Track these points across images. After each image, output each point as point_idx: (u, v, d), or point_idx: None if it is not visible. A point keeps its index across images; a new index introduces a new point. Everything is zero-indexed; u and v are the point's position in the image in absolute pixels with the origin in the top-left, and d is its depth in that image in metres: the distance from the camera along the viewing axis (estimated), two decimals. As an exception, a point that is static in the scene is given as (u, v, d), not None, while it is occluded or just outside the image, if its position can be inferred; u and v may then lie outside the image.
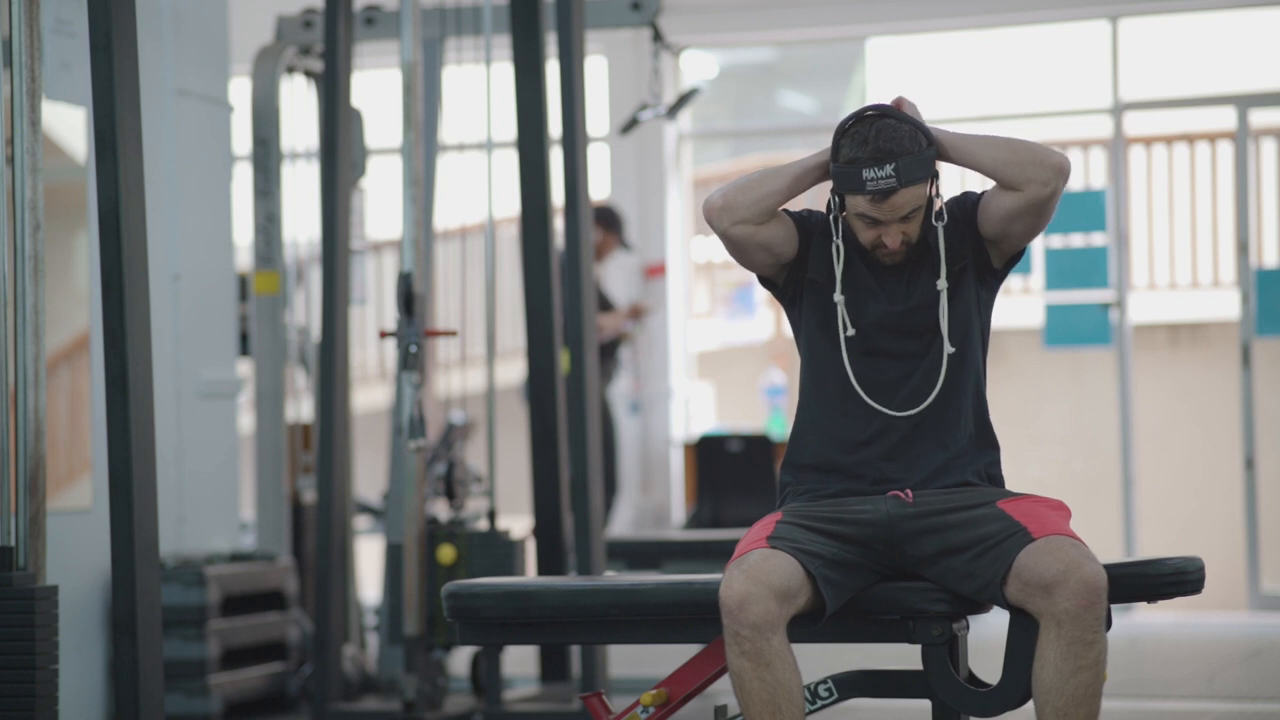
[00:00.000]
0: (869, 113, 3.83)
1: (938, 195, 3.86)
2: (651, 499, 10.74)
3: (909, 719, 4.87)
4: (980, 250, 3.90)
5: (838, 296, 3.86)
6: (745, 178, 3.87)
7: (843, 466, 3.86)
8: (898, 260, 3.85)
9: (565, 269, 6.15)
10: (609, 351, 9.75)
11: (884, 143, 3.77)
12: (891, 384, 3.86)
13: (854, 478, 3.85)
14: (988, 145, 3.82)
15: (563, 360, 6.10)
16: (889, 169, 3.76)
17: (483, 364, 6.59)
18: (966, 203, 3.90)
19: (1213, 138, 11.92)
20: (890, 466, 3.84)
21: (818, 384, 3.92)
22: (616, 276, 10.43)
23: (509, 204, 6.71)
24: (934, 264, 3.87)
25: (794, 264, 3.93)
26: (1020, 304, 10.84)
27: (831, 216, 3.88)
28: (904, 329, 3.87)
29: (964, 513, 3.75)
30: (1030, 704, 3.68)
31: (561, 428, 6.16)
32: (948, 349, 3.84)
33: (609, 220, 9.69)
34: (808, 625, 3.71)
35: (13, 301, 4.23)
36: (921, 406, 3.84)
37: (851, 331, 3.85)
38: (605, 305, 9.74)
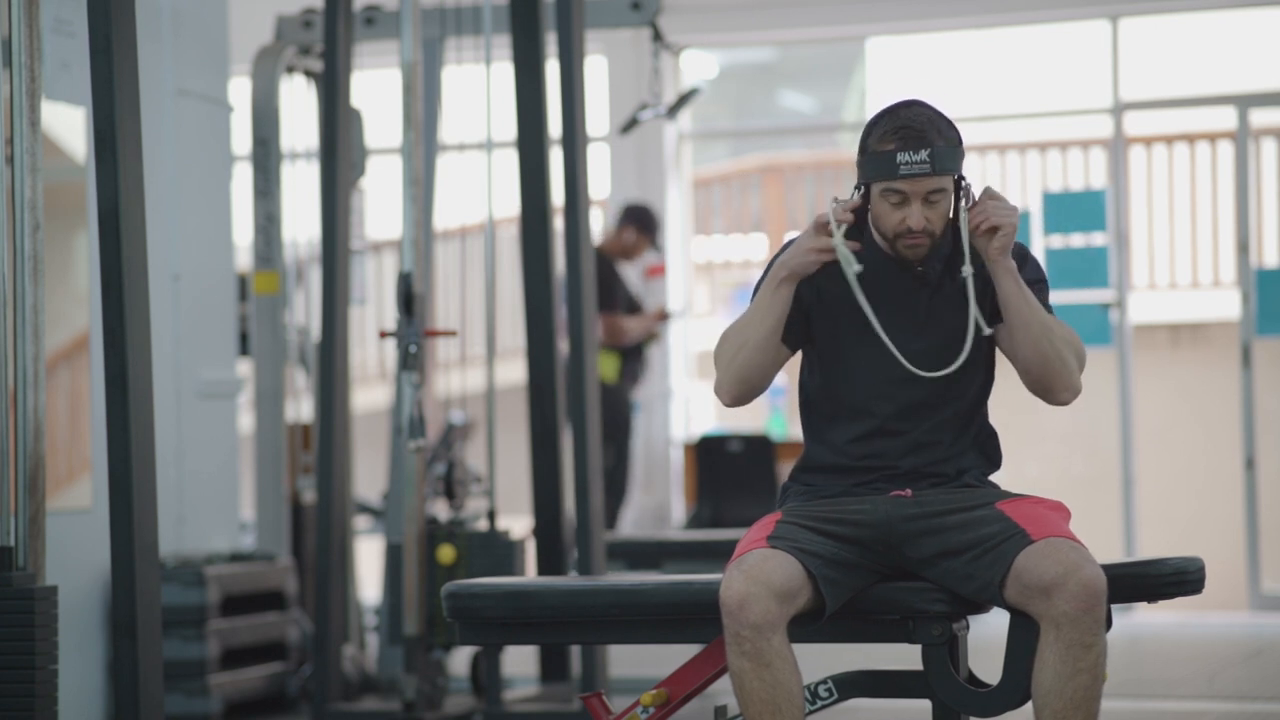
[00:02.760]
0: (901, 103, 3.81)
1: (966, 192, 3.83)
2: (651, 499, 10.74)
3: (909, 719, 4.87)
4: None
5: (857, 267, 3.80)
6: (729, 360, 3.82)
7: (846, 451, 3.85)
8: (921, 254, 3.81)
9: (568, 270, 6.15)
10: (636, 353, 9.75)
11: (919, 129, 3.74)
12: (912, 354, 3.82)
13: (856, 470, 3.84)
14: (1035, 334, 3.78)
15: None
16: (924, 154, 3.71)
17: (483, 364, 6.59)
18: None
19: (1213, 138, 11.93)
20: (895, 449, 3.83)
21: (828, 362, 3.88)
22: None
23: (509, 204, 6.71)
24: (958, 262, 3.83)
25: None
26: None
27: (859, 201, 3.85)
28: (925, 316, 3.84)
29: (963, 514, 3.75)
30: (1030, 704, 3.68)
31: (562, 427, 6.16)
32: (973, 326, 3.79)
33: (644, 221, 9.69)
34: (808, 625, 3.70)
35: (13, 301, 4.23)
36: (944, 371, 3.79)
37: (869, 310, 3.79)
38: (634, 308, 9.74)
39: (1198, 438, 11.62)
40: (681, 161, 10.91)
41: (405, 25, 5.69)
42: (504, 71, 6.25)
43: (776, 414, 11.50)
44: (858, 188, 3.82)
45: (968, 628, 3.84)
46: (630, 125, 7.69)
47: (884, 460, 3.84)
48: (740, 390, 3.85)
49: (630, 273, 10.10)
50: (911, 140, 3.72)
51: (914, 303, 3.84)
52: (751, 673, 3.60)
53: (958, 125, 3.84)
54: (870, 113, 3.86)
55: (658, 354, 10.64)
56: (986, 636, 4.73)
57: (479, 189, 6.42)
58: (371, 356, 13.53)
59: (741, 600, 3.60)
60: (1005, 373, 3.94)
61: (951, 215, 3.82)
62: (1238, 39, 11.60)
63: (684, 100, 7.67)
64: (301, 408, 7.46)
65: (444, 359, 9.46)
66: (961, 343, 3.80)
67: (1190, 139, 12.00)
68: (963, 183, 3.80)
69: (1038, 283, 3.87)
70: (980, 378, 3.89)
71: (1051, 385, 3.81)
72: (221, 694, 6.35)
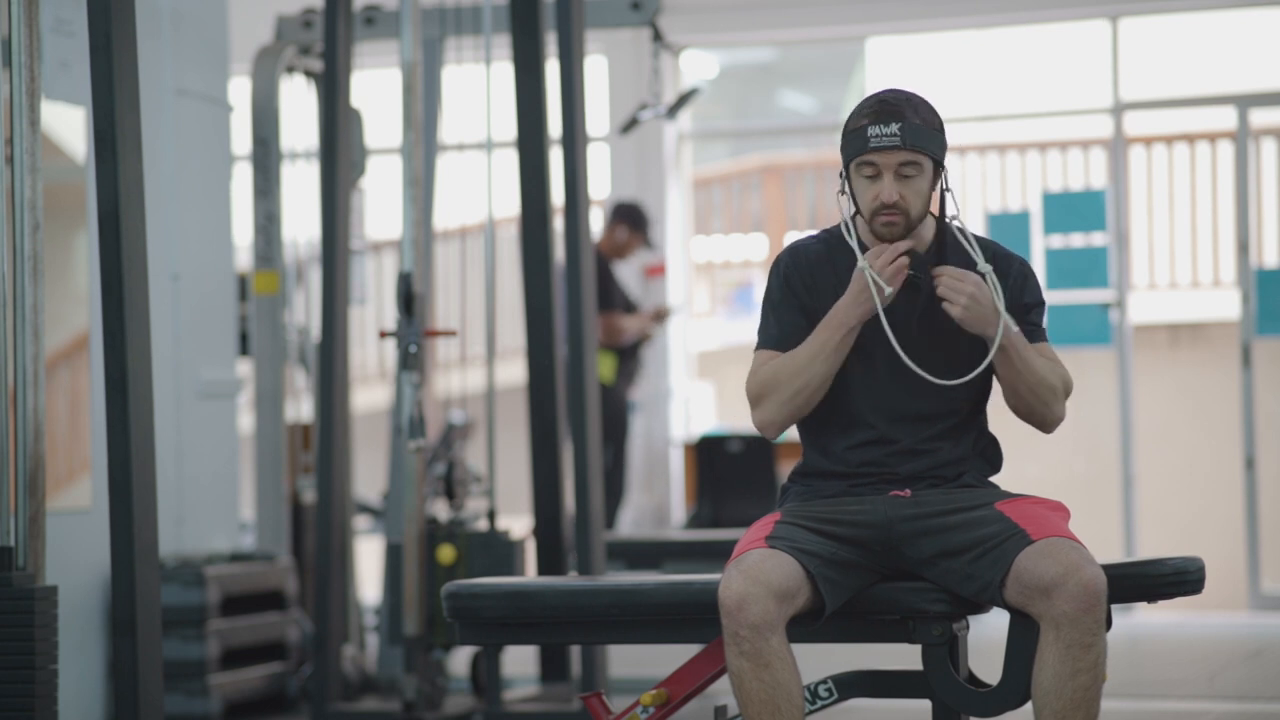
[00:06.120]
0: (882, 89, 3.85)
1: (947, 189, 3.84)
2: (651, 499, 10.74)
3: (909, 719, 4.87)
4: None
5: (862, 262, 3.81)
6: (787, 399, 3.82)
7: (844, 458, 3.85)
8: (897, 233, 3.81)
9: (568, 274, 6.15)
10: (632, 353, 9.75)
11: (893, 104, 3.78)
12: (922, 358, 3.83)
13: (854, 475, 3.85)
14: (1020, 391, 3.82)
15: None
16: (895, 127, 3.76)
17: (483, 364, 6.59)
18: (1009, 270, 3.88)
19: (1213, 138, 11.93)
20: (893, 456, 3.83)
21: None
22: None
23: (509, 204, 6.71)
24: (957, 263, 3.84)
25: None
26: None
27: (845, 196, 3.87)
28: (918, 324, 3.85)
29: (963, 514, 3.75)
30: (1030, 704, 3.68)
31: (562, 428, 6.16)
32: (1007, 324, 3.78)
33: (635, 219, 9.69)
34: (808, 625, 3.70)
35: (12, 301, 4.23)
36: (965, 379, 3.81)
37: (889, 291, 3.78)
38: (630, 307, 9.75)
39: (1198, 438, 11.62)
40: (681, 161, 10.90)
41: (405, 25, 5.69)
42: (504, 71, 6.24)
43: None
44: (842, 174, 3.85)
45: (968, 628, 3.84)
46: (630, 125, 7.69)
47: (883, 467, 3.84)
48: (791, 423, 3.89)
49: (626, 272, 10.10)
50: (883, 115, 3.78)
51: (908, 312, 3.84)
52: (751, 673, 3.60)
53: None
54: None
55: (658, 354, 10.64)
56: (986, 636, 4.73)
57: (479, 189, 6.42)
58: (371, 356, 13.53)
59: (740, 600, 3.59)
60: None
61: (938, 213, 3.84)
62: (1238, 39, 11.60)
63: (684, 100, 7.67)
64: (301, 408, 7.45)
65: (444, 359, 9.45)
66: (956, 350, 3.81)
67: (1190, 139, 11.99)
68: (942, 171, 3.82)
69: (1036, 305, 3.91)
70: (977, 388, 3.89)
71: (1034, 424, 3.90)
72: (221, 694, 6.35)
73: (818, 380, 3.82)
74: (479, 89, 6.37)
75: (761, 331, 3.91)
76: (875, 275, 3.78)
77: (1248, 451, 9.73)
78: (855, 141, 3.80)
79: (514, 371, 10.47)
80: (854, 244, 3.83)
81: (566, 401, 6.08)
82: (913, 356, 3.82)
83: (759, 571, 3.61)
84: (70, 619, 5.84)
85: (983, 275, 3.80)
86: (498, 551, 5.98)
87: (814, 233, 3.98)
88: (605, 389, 9.41)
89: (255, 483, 7.16)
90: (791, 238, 3.98)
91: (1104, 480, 10.71)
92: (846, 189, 3.86)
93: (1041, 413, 3.86)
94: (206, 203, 6.92)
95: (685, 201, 10.98)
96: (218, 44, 7.00)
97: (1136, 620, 9.23)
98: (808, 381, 3.82)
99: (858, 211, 3.85)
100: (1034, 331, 3.88)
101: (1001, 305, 3.78)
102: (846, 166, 3.84)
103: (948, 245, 3.86)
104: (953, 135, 3.94)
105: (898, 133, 3.76)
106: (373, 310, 12.86)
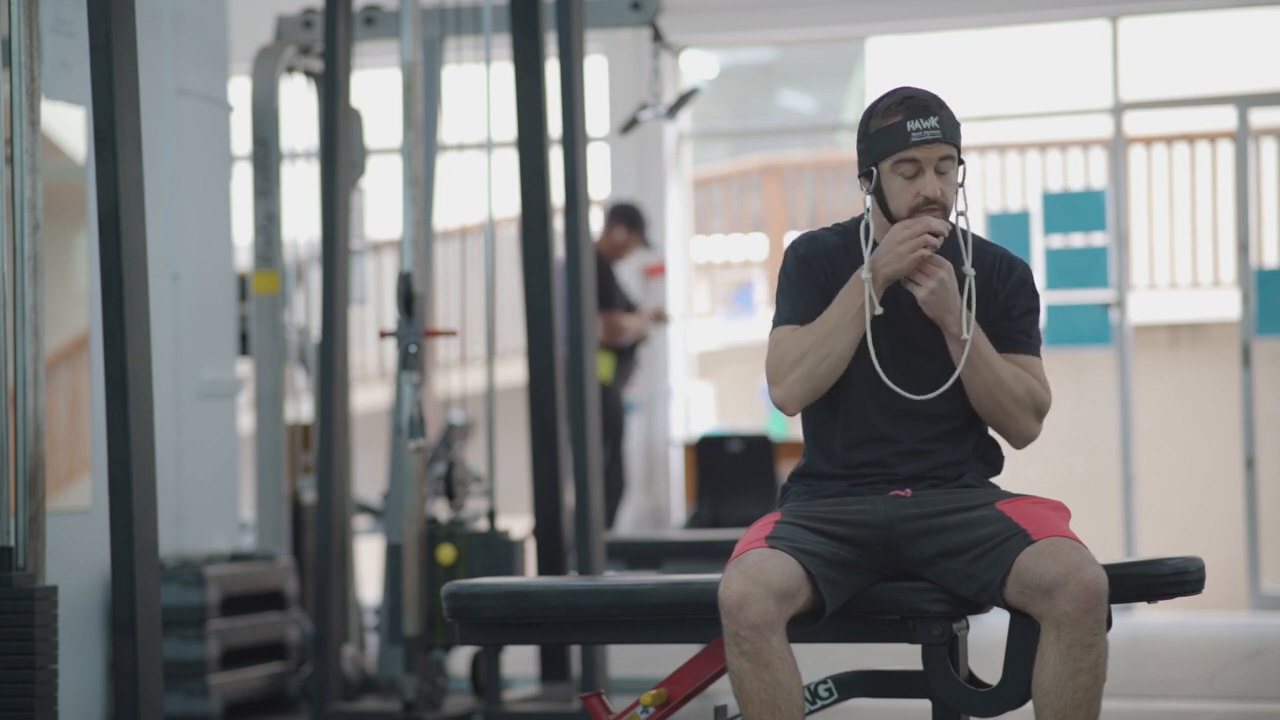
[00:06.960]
0: (896, 86, 3.84)
1: (961, 183, 3.84)
2: (651, 499, 10.74)
3: (909, 719, 4.87)
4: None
5: (865, 274, 3.81)
6: (810, 370, 3.79)
7: (844, 459, 3.85)
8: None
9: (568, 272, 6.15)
10: (629, 353, 9.76)
11: (923, 99, 3.77)
12: (910, 370, 3.83)
13: (855, 475, 3.84)
14: (978, 393, 3.81)
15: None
16: (933, 120, 3.74)
17: (483, 364, 6.59)
18: (1009, 275, 3.89)
19: (1213, 138, 11.93)
20: (893, 456, 3.83)
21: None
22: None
23: (509, 204, 6.71)
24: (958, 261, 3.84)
25: None
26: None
27: (867, 195, 3.86)
28: (923, 326, 3.84)
29: (963, 514, 3.74)
30: (1030, 704, 3.68)
31: (562, 428, 6.16)
32: (967, 332, 3.79)
33: (632, 219, 9.71)
34: (808, 625, 3.70)
35: (12, 301, 4.23)
36: (938, 391, 3.80)
37: (879, 310, 3.81)
38: (630, 307, 9.76)
39: (1198, 438, 11.62)
40: (681, 161, 10.90)
41: (405, 25, 5.69)
42: (504, 71, 6.25)
43: (776, 414, 11.50)
44: (864, 175, 3.83)
45: (968, 628, 3.84)
46: (630, 125, 7.69)
47: (883, 467, 3.84)
48: (813, 397, 3.84)
49: (625, 272, 10.10)
50: (918, 109, 3.76)
51: (913, 312, 3.83)
52: (751, 673, 3.60)
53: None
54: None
55: (658, 354, 10.64)
56: (986, 636, 4.73)
57: (479, 189, 6.42)
58: (371, 356, 13.53)
59: (740, 600, 3.59)
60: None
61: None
62: (1238, 39, 11.60)
63: (684, 100, 7.67)
64: (301, 408, 7.45)
65: (444, 359, 9.45)
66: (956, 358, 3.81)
67: (1190, 139, 12.00)
68: (963, 166, 3.82)
69: (1030, 312, 3.90)
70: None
71: (1001, 432, 3.88)
72: (221, 694, 6.35)
73: (841, 348, 3.80)
74: (479, 89, 6.37)
75: (779, 311, 3.89)
76: (870, 287, 3.78)
77: (1248, 451, 9.73)
78: (893, 137, 3.76)
79: (514, 371, 10.47)
80: (866, 249, 3.81)
81: (566, 401, 6.08)
82: (916, 356, 3.82)
83: (759, 571, 3.61)
84: (70, 619, 5.83)
85: (962, 276, 3.79)
86: (498, 551, 5.98)
87: (824, 226, 3.98)
88: (603, 388, 9.42)
89: (255, 483, 7.16)
90: (791, 238, 3.95)
91: (1104, 480, 10.71)
92: (874, 189, 3.83)
93: (1003, 421, 3.84)
94: (206, 203, 6.92)
95: (685, 201, 10.98)
96: (218, 44, 7.00)
97: (1136, 620, 9.23)
98: (831, 349, 3.80)
99: (869, 210, 3.84)
100: (1025, 342, 3.87)
101: (964, 304, 3.77)
102: (876, 165, 3.80)
103: (955, 240, 3.85)
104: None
105: (937, 126, 3.75)
106: (373, 310, 12.86)
